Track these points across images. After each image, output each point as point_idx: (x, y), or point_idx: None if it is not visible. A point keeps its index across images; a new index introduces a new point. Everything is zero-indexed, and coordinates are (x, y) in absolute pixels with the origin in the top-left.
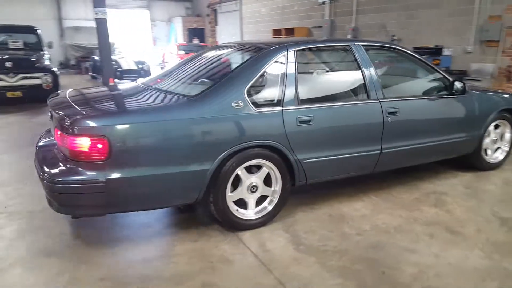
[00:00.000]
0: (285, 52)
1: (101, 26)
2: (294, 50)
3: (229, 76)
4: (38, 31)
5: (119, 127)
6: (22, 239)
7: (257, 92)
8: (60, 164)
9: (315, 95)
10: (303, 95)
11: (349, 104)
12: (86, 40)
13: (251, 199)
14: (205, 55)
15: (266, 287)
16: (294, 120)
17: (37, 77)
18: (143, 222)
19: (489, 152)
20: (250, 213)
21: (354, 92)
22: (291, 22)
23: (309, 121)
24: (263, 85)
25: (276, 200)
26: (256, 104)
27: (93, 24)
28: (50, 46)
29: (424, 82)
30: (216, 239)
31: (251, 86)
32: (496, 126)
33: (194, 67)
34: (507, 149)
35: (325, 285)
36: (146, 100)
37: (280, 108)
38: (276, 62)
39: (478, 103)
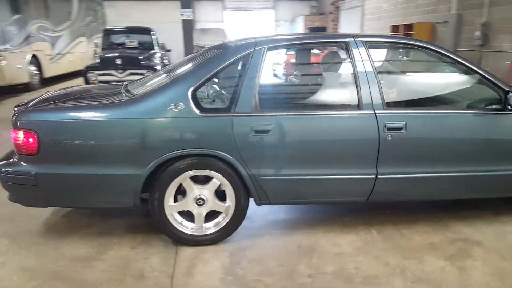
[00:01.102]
0: (251, 50)
1: (186, 25)
2: (264, 48)
3: (179, 75)
4: (152, 32)
5: (47, 123)
6: None
7: (207, 95)
8: (14, 157)
9: (280, 101)
10: (264, 100)
11: (324, 115)
12: (210, 41)
13: (198, 213)
14: (197, 54)
15: None
16: (247, 129)
17: (142, 74)
18: (105, 218)
19: None
20: (196, 228)
21: (340, 100)
22: (414, 18)
23: (267, 131)
24: (217, 87)
25: (229, 218)
26: (202, 108)
27: (218, 25)
28: (162, 47)
29: (461, 91)
30: (153, 250)
31: (199, 88)
32: None
33: (175, 67)
34: None
35: None
36: (95, 99)
37: (231, 114)
38: (236, 61)
39: None
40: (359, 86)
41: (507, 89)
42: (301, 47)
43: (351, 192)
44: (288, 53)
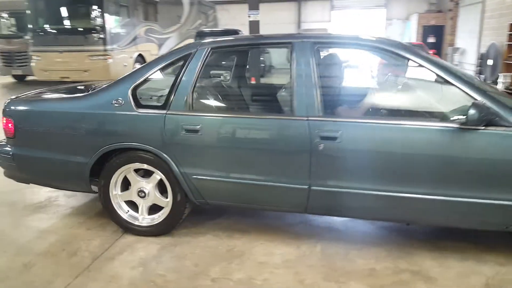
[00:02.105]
0: (193, 51)
1: (253, 27)
2: (207, 49)
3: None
4: (239, 32)
5: (19, 111)
6: None
7: (146, 92)
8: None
9: (215, 102)
10: (198, 100)
11: (255, 118)
12: None
13: (142, 204)
14: None
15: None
16: (179, 127)
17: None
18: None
19: None
20: (140, 219)
21: (273, 104)
22: None
23: (197, 131)
24: (157, 85)
25: (167, 213)
26: (140, 105)
27: (324, 26)
28: None
29: (419, 99)
30: (102, 233)
31: (140, 85)
32: None
33: None
34: None
35: None
36: (66, 93)
37: (164, 111)
38: (178, 61)
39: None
40: (294, 90)
41: (474, 100)
42: (247, 48)
43: (285, 202)
44: (233, 54)
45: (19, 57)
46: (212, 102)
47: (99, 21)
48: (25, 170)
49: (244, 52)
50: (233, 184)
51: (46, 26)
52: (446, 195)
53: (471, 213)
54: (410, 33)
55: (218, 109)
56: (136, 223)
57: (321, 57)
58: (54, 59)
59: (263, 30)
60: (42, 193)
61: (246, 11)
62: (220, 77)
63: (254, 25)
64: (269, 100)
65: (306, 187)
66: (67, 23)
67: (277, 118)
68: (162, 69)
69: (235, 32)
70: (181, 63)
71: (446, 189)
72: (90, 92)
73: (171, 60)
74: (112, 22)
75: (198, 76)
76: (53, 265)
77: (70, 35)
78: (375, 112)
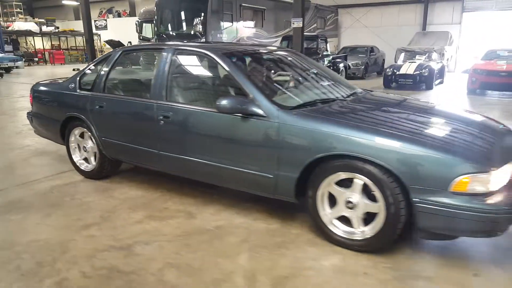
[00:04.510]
0: (113, 52)
1: (297, 33)
2: (122, 51)
3: None
4: (318, 39)
5: (34, 91)
6: None
7: (86, 79)
8: None
9: (115, 88)
10: (107, 86)
11: (131, 100)
12: (429, 44)
13: (83, 155)
14: None
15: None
16: (95, 103)
17: None
18: None
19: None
20: (85, 165)
21: (145, 90)
22: None
23: (102, 106)
24: (92, 75)
25: (96, 162)
26: (81, 88)
27: (453, 28)
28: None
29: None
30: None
31: (84, 75)
32: None
33: None
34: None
35: None
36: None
37: (90, 93)
38: (105, 59)
39: None
40: (155, 82)
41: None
42: (142, 52)
43: (147, 160)
44: (135, 55)
45: None
46: (114, 88)
47: (200, 27)
48: (36, 126)
49: (146, 54)
50: (123, 146)
51: (166, 31)
52: (220, 163)
53: (240, 178)
54: None
55: (115, 92)
56: (83, 167)
57: (184, 60)
58: None
59: (385, 33)
60: None
61: (372, 11)
62: (124, 69)
63: (297, 32)
64: (144, 88)
65: (157, 151)
66: (180, 28)
67: (142, 101)
68: (96, 65)
69: (315, 36)
70: (107, 59)
71: (218, 157)
72: (65, 80)
73: (101, 59)
74: (213, 28)
75: (111, 70)
76: None
77: (184, 38)
78: (187, 99)
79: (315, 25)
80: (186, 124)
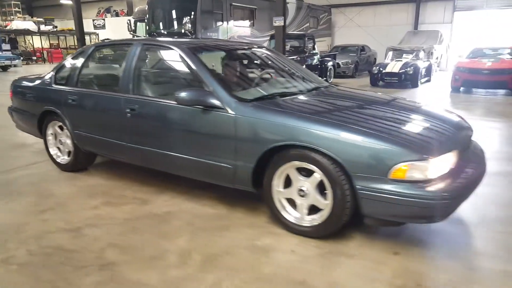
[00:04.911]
0: (86, 48)
1: (278, 32)
2: (95, 46)
3: None
4: (306, 38)
5: (14, 86)
6: None
7: (61, 74)
8: None
9: (89, 81)
10: (82, 79)
11: (101, 93)
12: (420, 43)
13: (59, 148)
14: None
15: None
16: (67, 97)
17: None
18: None
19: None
20: (61, 157)
21: (114, 84)
22: None
23: (74, 100)
24: (67, 70)
25: (71, 155)
26: (56, 82)
27: (444, 27)
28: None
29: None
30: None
31: (59, 70)
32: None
33: None
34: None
35: None
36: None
37: (64, 87)
38: (79, 54)
39: None
40: (124, 76)
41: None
42: (114, 47)
43: (116, 152)
44: (109, 51)
45: None
46: (86, 82)
47: (190, 26)
48: (16, 120)
49: (117, 49)
50: (93, 139)
51: (158, 30)
52: (183, 154)
53: (201, 169)
54: None
55: (87, 86)
56: (59, 160)
57: (151, 55)
58: None
59: (377, 33)
60: None
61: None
62: (97, 64)
63: (278, 30)
64: (113, 82)
65: (125, 143)
66: (171, 26)
67: (111, 95)
68: (71, 60)
69: (302, 35)
70: (83, 55)
71: (181, 148)
72: (43, 75)
73: (76, 54)
74: (203, 26)
75: (84, 64)
76: None
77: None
78: (153, 93)
79: (308, 24)
80: (150, 117)
